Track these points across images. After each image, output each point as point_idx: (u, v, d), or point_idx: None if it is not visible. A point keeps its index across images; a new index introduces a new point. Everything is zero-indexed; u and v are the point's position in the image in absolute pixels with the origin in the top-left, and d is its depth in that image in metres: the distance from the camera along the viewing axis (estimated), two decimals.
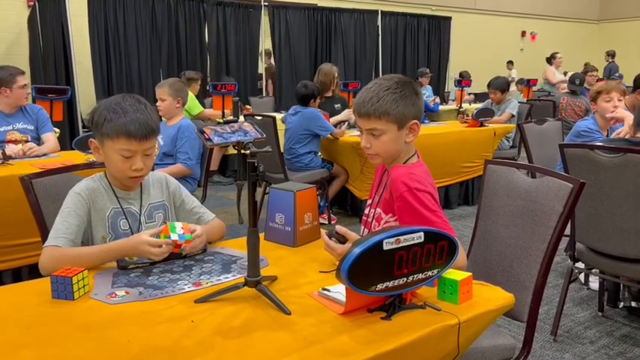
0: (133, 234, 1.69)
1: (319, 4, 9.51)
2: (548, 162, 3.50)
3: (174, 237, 1.52)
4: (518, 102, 5.85)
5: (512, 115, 5.47)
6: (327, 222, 4.55)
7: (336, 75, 5.20)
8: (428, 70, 8.78)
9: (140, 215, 1.73)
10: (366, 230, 1.77)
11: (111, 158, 1.64)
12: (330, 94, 5.17)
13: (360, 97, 1.62)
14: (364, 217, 1.81)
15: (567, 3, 15.47)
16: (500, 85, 5.58)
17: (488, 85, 5.69)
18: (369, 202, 1.81)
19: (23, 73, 3.59)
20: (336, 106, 5.26)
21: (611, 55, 12.22)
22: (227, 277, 1.48)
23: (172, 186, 1.84)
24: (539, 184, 1.68)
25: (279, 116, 4.85)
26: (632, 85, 3.92)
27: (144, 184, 1.76)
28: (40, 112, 3.68)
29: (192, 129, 3.38)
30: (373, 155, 1.65)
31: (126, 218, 1.70)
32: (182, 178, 3.36)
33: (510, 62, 12.33)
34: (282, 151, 4.35)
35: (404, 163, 1.65)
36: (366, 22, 9.59)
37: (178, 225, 1.55)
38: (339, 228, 1.53)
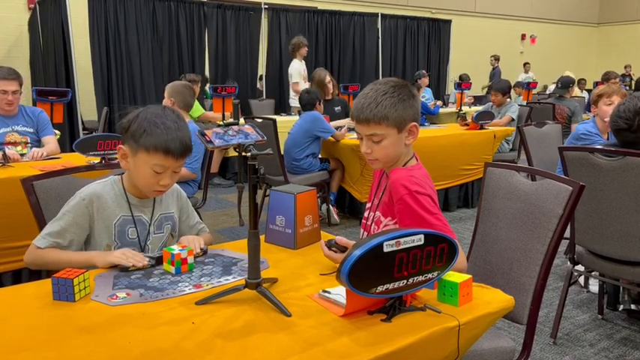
0: (140, 243, 1.69)
1: (319, 7, 9.54)
2: (548, 165, 3.51)
3: (175, 252, 1.52)
4: (518, 105, 5.86)
5: (512, 119, 5.48)
6: (336, 220, 4.59)
7: (327, 81, 5.23)
8: (424, 71, 8.80)
9: (150, 225, 1.72)
10: (366, 234, 1.77)
11: (140, 170, 1.62)
12: (329, 97, 5.19)
13: (358, 103, 1.61)
14: (364, 221, 1.81)
15: (567, 6, 15.50)
16: (501, 88, 5.58)
17: (490, 88, 5.69)
18: (369, 205, 1.81)
19: (9, 78, 3.42)
20: (335, 108, 5.27)
21: (496, 59, 12.38)
22: (227, 280, 1.48)
23: (182, 199, 1.85)
24: (539, 187, 1.68)
25: (279, 119, 4.88)
26: (632, 88, 3.93)
27: None
28: (41, 115, 3.67)
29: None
30: (374, 160, 1.65)
31: (135, 227, 1.69)
32: (184, 182, 3.37)
33: (527, 64, 12.51)
34: (282, 153, 4.37)
35: (403, 165, 1.66)
36: (366, 25, 9.61)
37: (174, 247, 1.56)
38: (340, 239, 1.53)
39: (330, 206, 4.61)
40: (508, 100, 5.68)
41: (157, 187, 1.63)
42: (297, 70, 6.99)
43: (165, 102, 3.49)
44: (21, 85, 3.53)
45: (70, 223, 1.61)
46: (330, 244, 1.53)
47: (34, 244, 1.61)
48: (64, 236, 1.61)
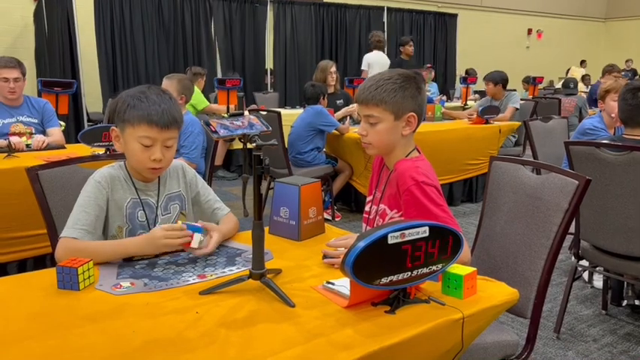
0: (149, 226, 1.68)
1: (325, 0, 9.50)
2: (553, 160, 3.48)
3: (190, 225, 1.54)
4: (524, 99, 5.81)
5: (517, 109, 5.39)
6: (330, 218, 4.55)
7: (332, 70, 5.19)
8: (428, 65, 8.76)
9: (157, 208, 1.71)
10: (369, 228, 1.76)
11: (130, 147, 1.62)
12: (331, 90, 5.16)
13: (363, 85, 1.66)
14: (365, 215, 1.81)
15: (574, 1, 15.39)
16: (492, 78, 5.50)
17: (484, 78, 5.62)
18: (369, 199, 1.81)
19: (10, 65, 3.42)
20: (338, 102, 5.24)
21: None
22: (232, 270, 1.48)
23: (189, 175, 1.81)
24: (545, 181, 1.67)
25: (284, 112, 4.86)
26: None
27: (162, 174, 1.74)
28: (46, 107, 3.68)
29: (197, 124, 3.41)
30: (367, 145, 1.67)
31: (143, 210, 1.69)
32: None
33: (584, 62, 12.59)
34: (286, 146, 4.36)
35: (406, 157, 1.66)
36: (371, 18, 9.58)
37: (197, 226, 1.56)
38: (329, 245, 1.57)
39: (325, 210, 4.54)
40: (505, 92, 5.57)
41: (149, 163, 1.61)
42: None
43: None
44: (24, 74, 3.52)
45: (94, 207, 1.60)
46: (325, 257, 1.54)
47: (65, 236, 1.54)
48: (92, 222, 1.58)
